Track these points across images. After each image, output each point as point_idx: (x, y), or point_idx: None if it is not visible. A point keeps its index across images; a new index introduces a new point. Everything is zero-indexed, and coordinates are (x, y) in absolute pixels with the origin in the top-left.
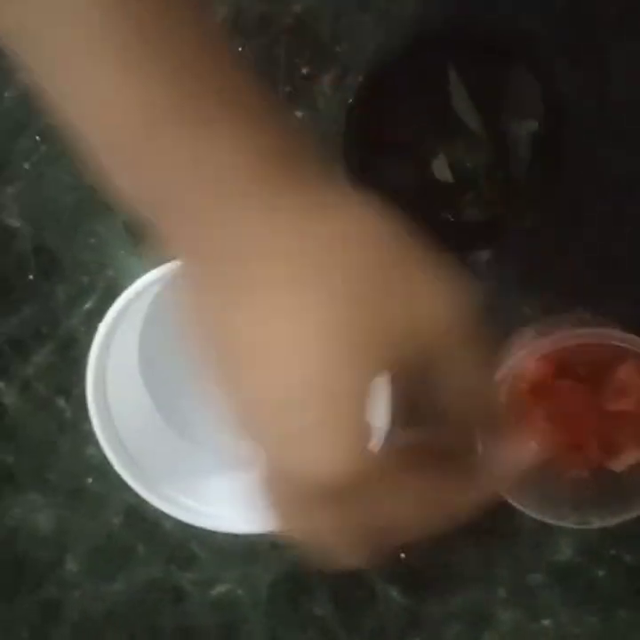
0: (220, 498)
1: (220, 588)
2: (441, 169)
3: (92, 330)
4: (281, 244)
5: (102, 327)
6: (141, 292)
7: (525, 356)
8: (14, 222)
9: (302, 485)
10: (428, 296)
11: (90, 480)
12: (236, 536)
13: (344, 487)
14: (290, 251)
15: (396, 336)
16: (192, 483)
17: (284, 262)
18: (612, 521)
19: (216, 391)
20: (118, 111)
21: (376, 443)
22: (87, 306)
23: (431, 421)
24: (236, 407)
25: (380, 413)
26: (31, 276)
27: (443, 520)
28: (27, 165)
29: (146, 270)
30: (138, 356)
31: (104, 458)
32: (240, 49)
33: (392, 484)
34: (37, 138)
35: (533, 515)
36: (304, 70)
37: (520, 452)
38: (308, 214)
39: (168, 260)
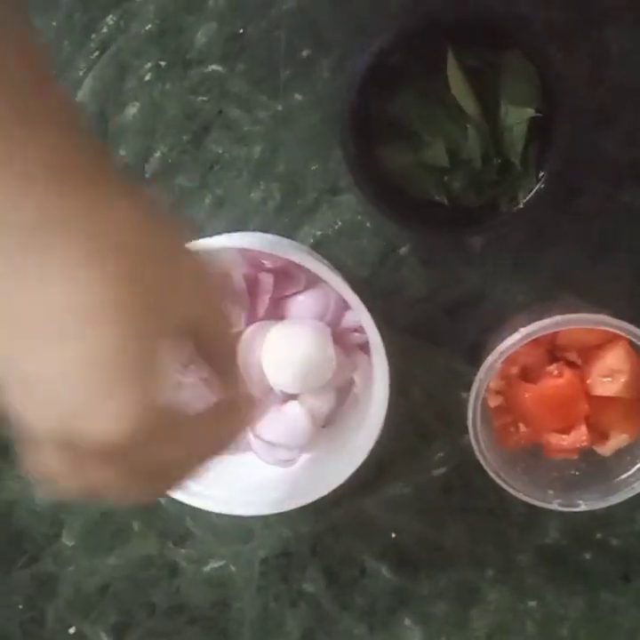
0: (216, 479)
1: (213, 565)
2: (437, 153)
3: None
4: (66, 224)
5: None
6: None
7: (517, 340)
8: None
9: (87, 446)
10: (193, 272)
11: None
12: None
13: (130, 442)
14: (74, 231)
15: (169, 307)
16: None
17: (68, 240)
18: (600, 504)
19: None
20: None
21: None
22: None
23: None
24: (14, 378)
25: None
26: None
27: (210, 454)
28: None
29: None
30: None
31: None
32: (241, 32)
33: (169, 433)
34: None
35: (522, 497)
36: (304, 53)
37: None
38: (93, 202)
39: None
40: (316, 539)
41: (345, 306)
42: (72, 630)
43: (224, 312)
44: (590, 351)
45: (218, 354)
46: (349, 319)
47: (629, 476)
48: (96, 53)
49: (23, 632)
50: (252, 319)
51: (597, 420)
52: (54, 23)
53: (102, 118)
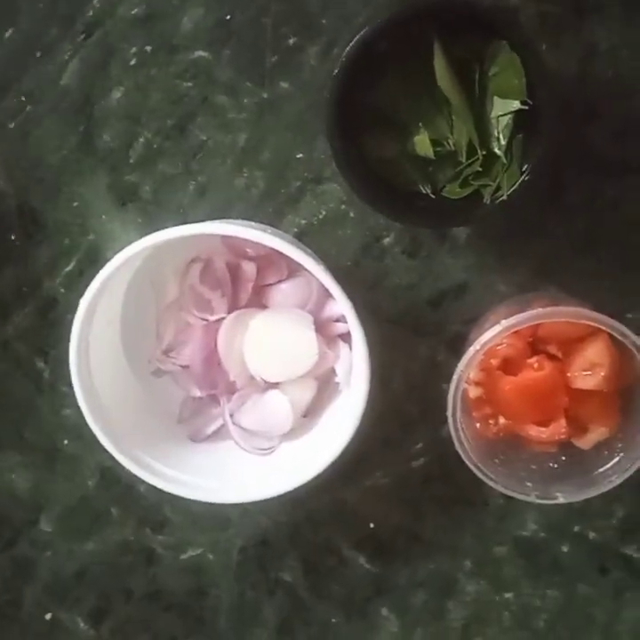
0: (195, 467)
1: (191, 552)
2: (422, 144)
3: (72, 292)
4: None
5: (85, 298)
6: (124, 263)
7: (498, 332)
8: None
9: None
10: None
11: (66, 441)
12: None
13: None
14: None
15: None
16: (168, 451)
17: None
18: (577, 497)
19: None
20: None
21: None
22: (68, 268)
23: None
24: None
25: None
26: (13, 237)
27: None
28: (12, 125)
29: (127, 235)
30: (120, 326)
31: (80, 419)
32: (228, 18)
33: None
34: (23, 98)
35: (500, 489)
36: (291, 41)
37: None
38: None
39: (150, 229)
40: (294, 527)
41: (327, 295)
42: (48, 616)
43: None
44: (571, 344)
45: None
46: (332, 309)
47: (607, 470)
48: (82, 37)
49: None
50: (234, 307)
51: (577, 413)
52: (41, 5)
53: (87, 102)
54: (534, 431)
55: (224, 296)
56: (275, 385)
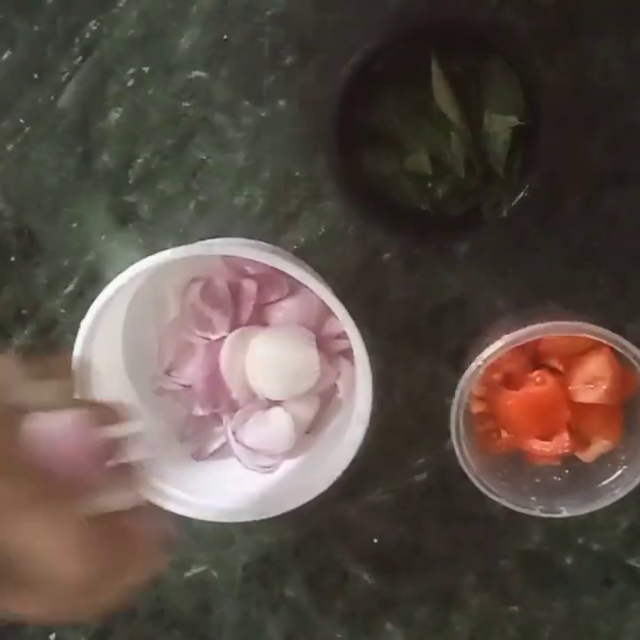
0: (198, 486)
1: (195, 570)
2: (420, 160)
3: (72, 313)
4: None
5: (87, 319)
6: (126, 284)
7: (499, 347)
8: None
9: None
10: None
11: None
12: None
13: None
14: None
15: None
16: (171, 470)
17: None
18: (581, 510)
19: None
20: None
21: None
22: (68, 289)
23: None
24: None
25: None
26: (12, 258)
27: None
28: (10, 147)
29: (126, 255)
30: (122, 346)
31: None
32: (225, 38)
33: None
34: (20, 120)
35: (504, 503)
36: (288, 60)
37: None
38: None
39: (150, 248)
40: (298, 544)
41: (328, 312)
42: (53, 636)
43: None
44: (572, 358)
45: None
46: (332, 325)
47: (611, 482)
48: (79, 58)
49: (2, 637)
50: (235, 325)
51: (579, 427)
52: (37, 28)
53: (85, 124)
54: (537, 445)
55: (225, 315)
56: (277, 402)
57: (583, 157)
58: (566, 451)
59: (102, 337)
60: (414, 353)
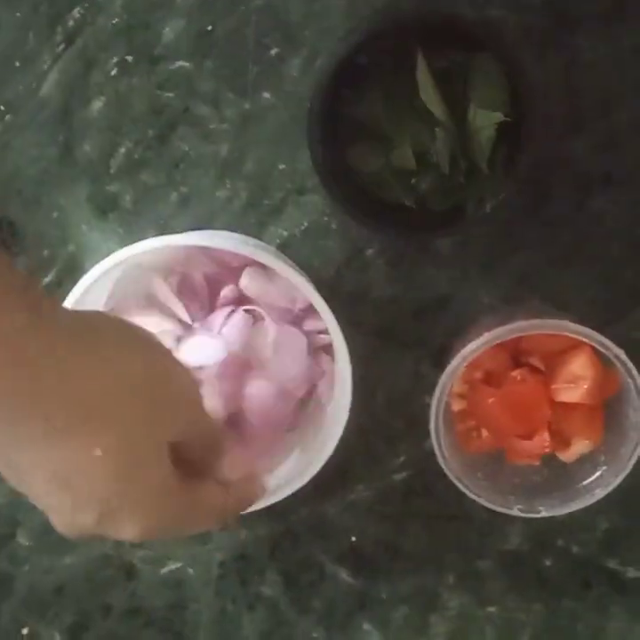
0: None
1: (170, 566)
2: (404, 155)
3: None
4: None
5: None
6: (104, 274)
7: (480, 344)
8: None
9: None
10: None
11: None
12: None
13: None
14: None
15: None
16: None
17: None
18: (561, 510)
19: None
20: None
21: None
22: (47, 279)
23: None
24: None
25: None
26: None
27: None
28: None
29: (107, 245)
30: None
31: None
32: (209, 28)
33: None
34: (2, 108)
35: (483, 502)
36: (273, 52)
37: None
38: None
39: (130, 240)
40: (275, 541)
41: (310, 307)
42: (25, 631)
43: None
44: (554, 357)
45: (207, 447)
46: (314, 321)
47: (591, 483)
48: (62, 46)
49: None
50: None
51: (560, 427)
52: (19, 14)
53: (67, 112)
54: (517, 444)
55: (202, 308)
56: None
57: (569, 154)
58: (546, 450)
59: None
60: (397, 350)
